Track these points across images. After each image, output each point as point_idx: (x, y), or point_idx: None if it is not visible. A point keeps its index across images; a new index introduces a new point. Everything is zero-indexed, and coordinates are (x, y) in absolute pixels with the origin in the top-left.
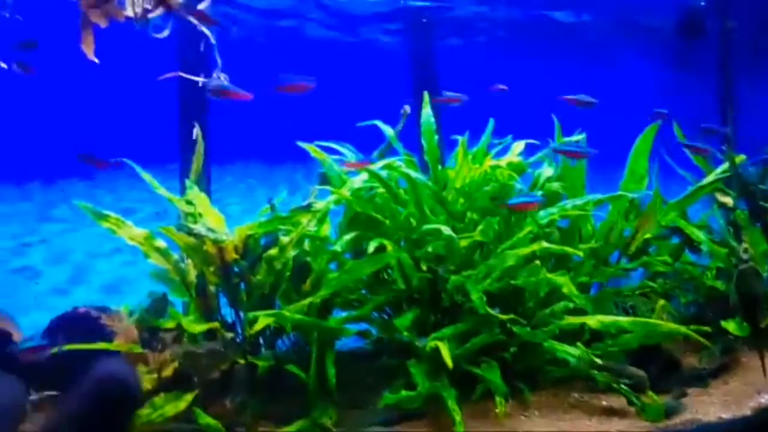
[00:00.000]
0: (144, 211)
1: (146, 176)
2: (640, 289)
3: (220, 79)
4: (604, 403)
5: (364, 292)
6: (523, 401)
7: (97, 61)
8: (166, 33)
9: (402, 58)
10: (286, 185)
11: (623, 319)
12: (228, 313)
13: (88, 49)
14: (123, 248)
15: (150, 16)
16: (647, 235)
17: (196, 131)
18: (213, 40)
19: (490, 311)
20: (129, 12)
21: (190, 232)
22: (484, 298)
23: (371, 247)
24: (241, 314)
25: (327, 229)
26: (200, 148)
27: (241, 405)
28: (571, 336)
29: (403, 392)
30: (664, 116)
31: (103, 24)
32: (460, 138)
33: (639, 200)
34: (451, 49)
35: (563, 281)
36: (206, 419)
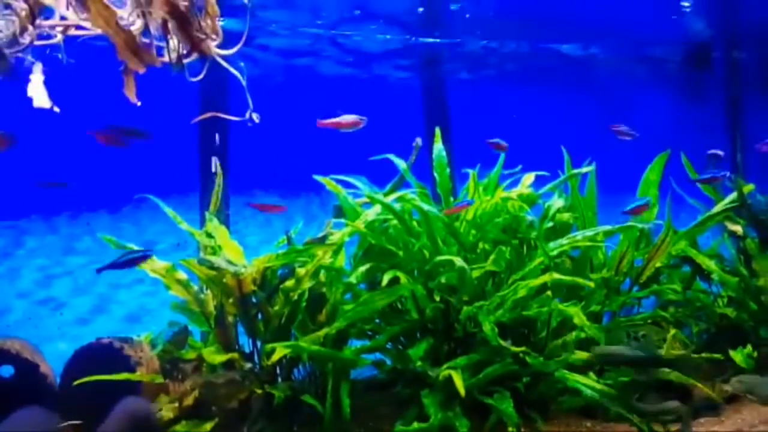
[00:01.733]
0: (165, 242)
1: (168, 210)
2: (652, 318)
3: (253, 118)
4: None
5: (377, 321)
6: (536, 430)
7: (139, 103)
8: (201, 76)
9: (414, 93)
10: (303, 216)
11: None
12: (245, 342)
13: (131, 94)
14: (144, 279)
15: (185, 61)
16: (658, 264)
17: (215, 164)
18: (244, 82)
19: (502, 343)
20: (166, 58)
21: (211, 266)
22: (496, 330)
23: (386, 279)
24: (258, 344)
25: (342, 260)
26: (219, 180)
27: None
28: (583, 365)
29: (416, 424)
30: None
31: (141, 70)
32: (471, 171)
33: (649, 229)
34: (462, 84)
35: (574, 312)
36: None
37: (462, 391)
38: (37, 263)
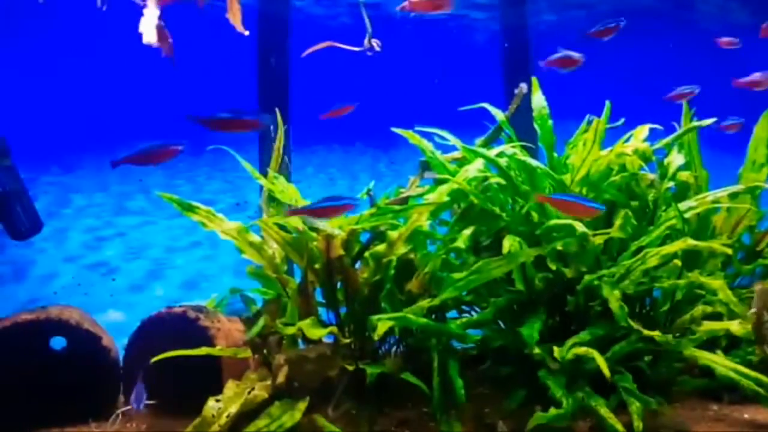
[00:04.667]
0: (224, 202)
1: (247, 166)
2: None
3: (373, 45)
4: (746, 416)
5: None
6: (660, 415)
7: (246, 32)
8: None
9: (493, 36)
10: (369, 175)
11: None
12: (322, 313)
13: (236, 21)
14: (202, 242)
15: None
16: None
17: (277, 123)
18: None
19: (633, 324)
20: None
21: (312, 227)
22: (626, 308)
23: (506, 245)
24: (341, 315)
25: (426, 223)
26: (281, 135)
27: (345, 415)
28: (707, 343)
29: (553, 410)
30: None
31: None
32: (589, 119)
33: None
34: (546, 25)
35: (718, 285)
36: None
37: (607, 372)
38: (86, 224)
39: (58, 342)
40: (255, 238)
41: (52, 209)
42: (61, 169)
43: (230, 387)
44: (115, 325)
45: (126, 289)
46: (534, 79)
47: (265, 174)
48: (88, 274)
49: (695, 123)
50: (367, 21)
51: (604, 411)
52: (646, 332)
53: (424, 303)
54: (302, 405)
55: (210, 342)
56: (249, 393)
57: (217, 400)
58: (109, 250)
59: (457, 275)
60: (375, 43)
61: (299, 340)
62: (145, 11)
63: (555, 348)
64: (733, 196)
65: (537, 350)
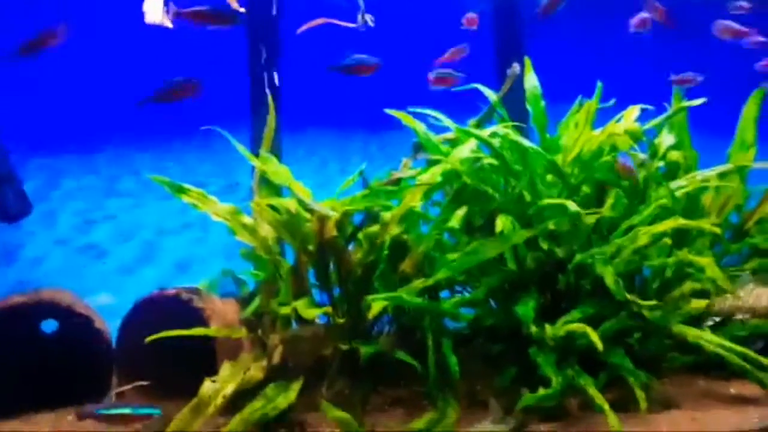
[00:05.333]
0: (216, 185)
1: (241, 148)
2: (762, 269)
3: (367, 21)
4: (732, 390)
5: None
6: (650, 390)
7: (242, 9)
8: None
9: (483, 15)
10: (361, 158)
11: None
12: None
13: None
14: (193, 224)
15: None
16: None
17: (270, 105)
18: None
19: (629, 297)
20: None
21: (306, 207)
22: (621, 282)
23: (500, 225)
24: (335, 296)
25: (419, 204)
26: (272, 116)
27: (339, 394)
28: (694, 320)
29: (542, 390)
30: None
31: None
32: (581, 101)
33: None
34: (539, 6)
35: (706, 262)
36: (336, 413)
37: (600, 346)
38: (76, 206)
39: (50, 325)
40: (247, 219)
41: (41, 192)
42: (50, 152)
43: (226, 368)
44: (105, 308)
45: (117, 271)
46: (527, 60)
47: (257, 155)
48: (78, 257)
49: (685, 103)
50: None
51: (592, 390)
52: (642, 302)
53: (418, 283)
54: (296, 385)
55: (204, 323)
56: (245, 373)
57: (214, 381)
58: (99, 233)
59: (451, 256)
60: (369, 18)
61: (293, 321)
62: None
63: (547, 326)
64: (721, 176)
65: (533, 328)
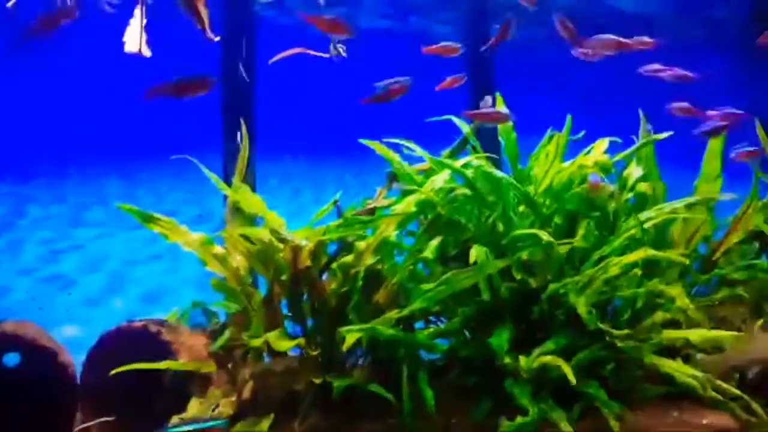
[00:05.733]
0: (186, 214)
1: (212, 176)
2: (730, 298)
3: (339, 51)
4: (704, 421)
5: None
6: (623, 421)
7: (216, 38)
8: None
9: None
10: (336, 186)
11: (726, 334)
12: (288, 326)
13: (203, 25)
14: (162, 254)
15: None
16: (735, 240)
17: (242, 132)
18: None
19: (602, 326)
20: None
21: (279, 238)
22: (594, 312)
23: (473, 255)
24: (308, 327)
25: (394, 234)
26: (245, 144)
27: (312, 428)
28: (666, 351)
29: (520, 419)
30: None
31: None
32: (551, 133)
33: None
34: (510, 41)
35: (676, 293)
36: None
37: (573, 379)
38: (42, 236)
39: (12, 358)
40: (219, 249)
41: (7, 220)
42: (17, 179)
43: (194, 404)
44: (70, 340)
45: (83, 303)
46: (497, 94)
47: (229, 183)
48: (43, 287)
49: (652, 137)
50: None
51: (564, 425)
52: (615, 332)
53: (393, 314)
54: (267, 421)
55: (172, 356)
56: (213, 410)
57: (181, 419)
58: (66, 263)
59: (425, 286)
60: (341, 48)
61: (264, 354)
62: (131, 20)
63: (521, 358)
64: (689, 207)
65: (507, 359)
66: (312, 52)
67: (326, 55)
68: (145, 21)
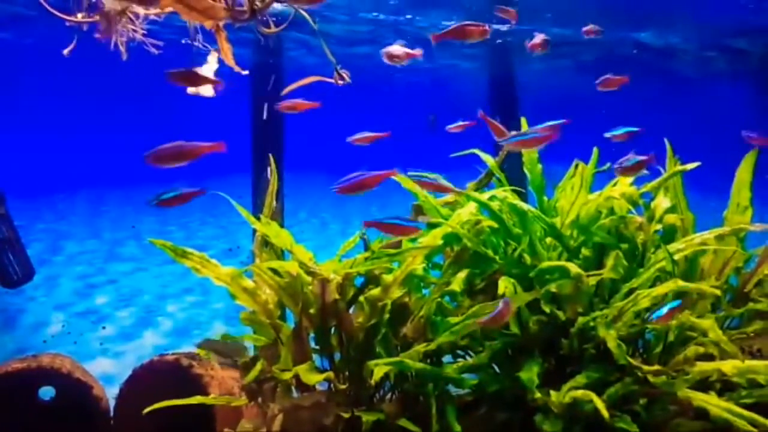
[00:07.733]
0: (216, 248)
1: (242, 210)
2: (765, 331)
3: (343, 76)
4: None
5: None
6: None
7: (245, 72)
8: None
9: (481, 84)
10: (361, 218)
11: (760, 364)
12: (316, 359)
13: (229, 59)
14: (193, 288)
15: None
16: (767, 271)
17: (271, 167)
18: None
19: (632, 361)
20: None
21: (307, 271)
22: (623, 346)
23: (502, 287)
24: (336, 361)
25: (420, 267)
26: (274, 180)
27: None
28: (699, 385)
29: None
30: None
31: (209, 27)
32: (577, 163)
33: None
34: (533, 74)
35: (708, 325)
36: None
37: (606, 414)
38: (77, 271)
39: (48, 392)
40: (248, 283)
41: (44, 256)
42: (54, 216)
43: None
44: (104, 374)
45: (116, 336)
46: (523, 121)
47: (258, 219)
48: (78, 321)
49: (680, 167)
50: (329, 55)
51: None
52: (645, 368)
53: (420, 347)
54: None
55: (203, 390)
56: None
57: None
58: (100, 297)
59: (453, 319)
60: (345, 74)
61: (293, 388)
62: (205, 66)
63: (552, 393)
64: (719, 238)
65: (537, 394)
66: (325, 79)
67: (331, 80)
68: (216, 66)
